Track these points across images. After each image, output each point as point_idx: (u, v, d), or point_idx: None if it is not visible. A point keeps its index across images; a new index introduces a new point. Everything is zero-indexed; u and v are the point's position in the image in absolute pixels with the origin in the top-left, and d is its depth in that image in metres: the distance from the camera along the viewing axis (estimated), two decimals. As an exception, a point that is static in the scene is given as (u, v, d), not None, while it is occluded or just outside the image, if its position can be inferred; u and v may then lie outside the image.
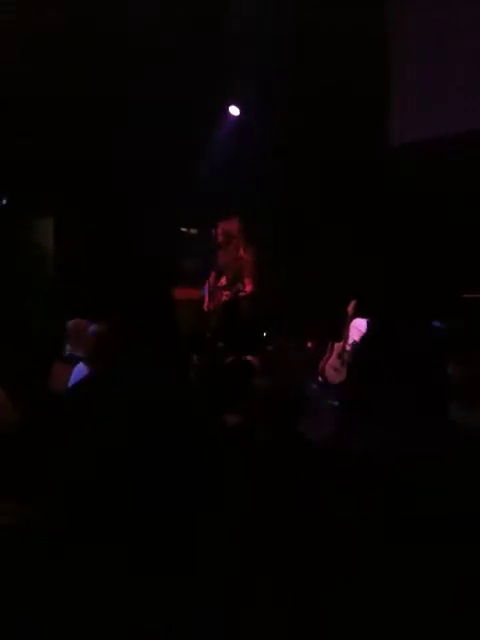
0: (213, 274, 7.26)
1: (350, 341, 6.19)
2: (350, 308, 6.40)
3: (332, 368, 6.28)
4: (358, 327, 6.21)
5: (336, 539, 2.05)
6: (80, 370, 4.52)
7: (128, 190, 8.47)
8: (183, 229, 9.08)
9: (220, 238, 7.23)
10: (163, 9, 6.45)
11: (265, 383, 3.32)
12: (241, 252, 7.18)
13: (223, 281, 7.26)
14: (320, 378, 6.24)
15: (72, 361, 4.89)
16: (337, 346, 6.32)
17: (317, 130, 7.63)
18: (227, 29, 6.68)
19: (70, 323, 5.29)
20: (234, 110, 8.35)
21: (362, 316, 6.24)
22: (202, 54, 6.90)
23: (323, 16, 6.50)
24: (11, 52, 6.71)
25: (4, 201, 8.64)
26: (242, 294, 7.04)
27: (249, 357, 5.02)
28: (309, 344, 6.87)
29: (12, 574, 1.98)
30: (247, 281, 7.10)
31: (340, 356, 6.25)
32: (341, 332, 6.34)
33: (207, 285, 7.28)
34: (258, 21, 6.56)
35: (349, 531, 2.06)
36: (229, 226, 7.20)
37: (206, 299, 7.21)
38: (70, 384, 4.34)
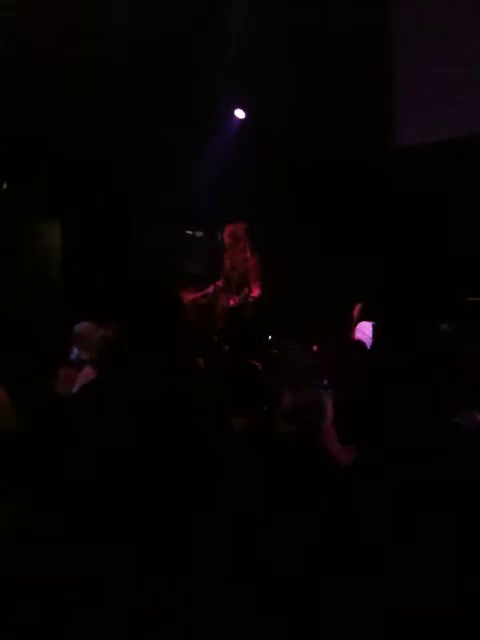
0: (222, 279, 7.29)
1: (354, 344, 6.17)
2: (355, 311, 6.39)
3: (337, 371, 6.25)
4: (363, 330, 6.19)
5: (336, 539, 2.05)
6: (86, 373, 4.53)
7: (135, 193, 8.48)
8: (188, 232, 9.08)
9: (227, 239, 7.25)
10: (163, 9, 6.45)
11: (279, 387, 3.34)
12: (248, 254, 7.20)
13: (230, 284, 7.26)
14: (325, 381, 6.22)
15: (78, 364, 4.89)
16: (342, 349, 6.30)
17: (318, 131, 7.63)
18: (227, 29, 6.67)
19: (77, 327, 5.28)
20: (240, 113, 8.35)
21: (368, 319, 6.23)
22: (203, 54, 6.90)
23: (324, 16, 6.48)
24: (12, 52, 6.72)
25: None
26: (250, 299, 7.05)
27: (254, 361, 5.02)
28: (315, 348, 6.86)
29: (14, 574, 1.98)
30: (254, 286, 7.11)
31: (345, 359, 6.23)
32: (347, 335, 6.33)
33: (212, 288, 7.28)
34: (259, 21, 6.54)
35: (349, 531, 2.07)
36: (236, 228, 7.22)
37: (194, 297, 7.20)
38: (76, 387, 4.34)
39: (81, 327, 5.27)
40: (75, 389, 4.29)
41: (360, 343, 5.27)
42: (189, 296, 6.96)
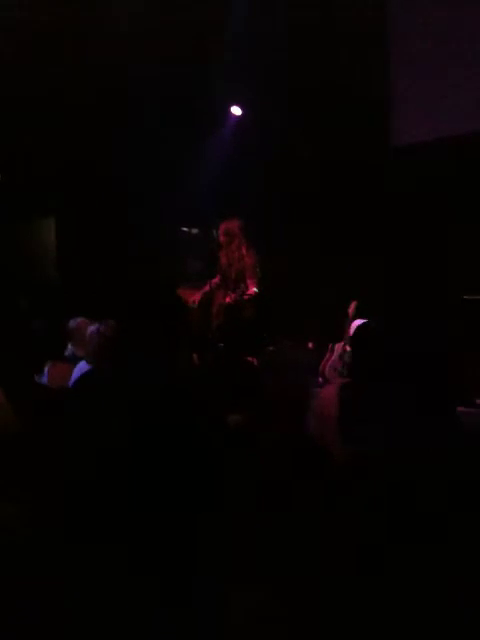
0: (219, 276, 7.28)
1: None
2: (351, 309, 6.40)
3: (333, 369, 6.27)
4: (358, 328, 6.19)
5: (336, 539, 2.05)
6: (81, 369, 4.50)
7: (130, 190, 8.47)
8: (184, 229, 9.08)
9: (222, 237, 7.24)
10: (163, 9, 6.45)
11: (275, 384, 3.33)
12: (243, 251, 7.19)
13: (226, 282, 7.26)
14: (321, 379, 6.23)
15: (73, 360, 4.87)
16: (338, 347, 6.31)
17: (318, 131, 7.64)
18: (227, 29, 6.67)
19: (72, 323, 5.27)
20: (236, 110, 8.34)
21: (363, 317, 6.24)
22: (204, 54, 6.89)
23: (324, 16, 6.48)
24: (12, 52, 6.70)
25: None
26: (246, 297, 7.04)
27: (251, 358, 5.01)
28: (310, 345, 6.87)
29: (14, 574, 1.98)
30: (250, 282, 7.11)
31: (341, 357, 6.24)
32: (342, 333, 6.33)
33: (209, 286, 7.27)
34: (259, 21, 6.54)
35: (349, 531, 2.06)
36: (230, 225, 7.20)
37: (198, 295, 7.18)
38: (71, 382, 4.31)
39: (76, 323, 5.26)
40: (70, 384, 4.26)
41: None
42: (189, 296, 6.94)
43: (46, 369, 4.81)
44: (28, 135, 7.71)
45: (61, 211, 9.23)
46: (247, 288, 7.08)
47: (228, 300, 7.13)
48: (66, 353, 5.24)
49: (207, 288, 7.28)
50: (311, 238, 8.02)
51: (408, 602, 1.98)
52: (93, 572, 1.94)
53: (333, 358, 6.32)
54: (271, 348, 6.27)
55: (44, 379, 4.70)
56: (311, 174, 7.91)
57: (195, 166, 8.28)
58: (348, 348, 6.16)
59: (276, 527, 2.13)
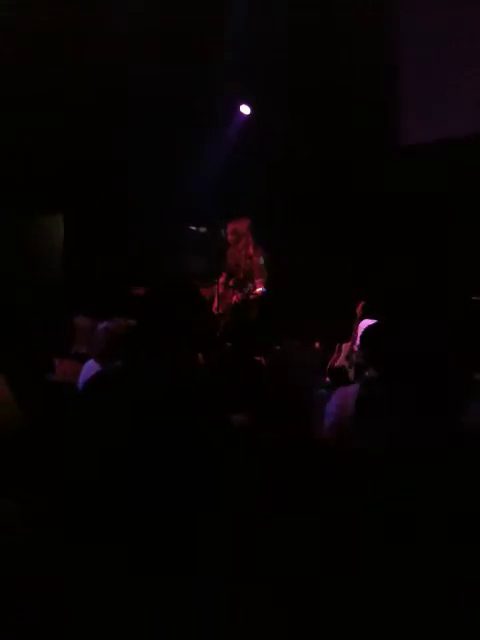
0: (224, 274, 7.27)
1: (358, 342, 6.18)
2: (358, 309, 6.40)
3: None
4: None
5: (336, 539, 2.05)
6: (90, 367, 4.51)
7: (138, 189, 8.49)
8: (192, 228, 9.09)
9: (230, 237, 7.25)
10: (163, 9, 6.47)
11: (276, 384, 3.33)
12: (251, 251, 7.19)
13: (233, 281, 7.26)
14: (328, 379, 6.23)
15: (79, 359, 4.88)
16: (345, 347, 6.32)
17: (319, 131, 7.64)
18: (227, 29, 6.68)
19: (76, 321, 5.29)
20: (245, 109, 8.34)
21: (370, 317, 6.24)
22: (204, 54, 6.90)
23: (324, 16, 6.49)
24: (14, 52, 6.73)
25: None
26: (252, 297, 7.04)
27: (258, 357, 5.02)
28: (317, 345, 6.87)
29: (14, 574, 1.99)
30: (257, 282, 7.11)
31: (348, 357, 6.24)
32: (348, 333, 6.34)
33: (216, 285, 7.27)
34: (259, 21, 6.55)
35: (349, 531, 2.06)
36: (238, 225, 7.20)
37: (216, 300, 7.19)
38: (80, 381, 4.32)
39: (81, 321, 5.28)
40: (80, 383, 4.27)
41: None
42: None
43: (56, 365, 4.84)
44: (28, 135, 7.74)
45: (69, 209, 9.26)
46: (254, 287, 7.09)
47: (235, 299, 7.13)
48: (72, 351, 5.26)
49: (216, 287, 7.27)
50: (311, 238, 8.02)
51: (408, 602, 1.98)
52: (93, 572, 1.94)
53: (340, 358, 6.33)
54: (278, 348, 6.29)
55: (53, 376, 4.74)
56: (312, 174, 7.91)
57: (202, 168, 8.29)
58: (355, 348, 6.17)
59: (276, 527, 2.13)
